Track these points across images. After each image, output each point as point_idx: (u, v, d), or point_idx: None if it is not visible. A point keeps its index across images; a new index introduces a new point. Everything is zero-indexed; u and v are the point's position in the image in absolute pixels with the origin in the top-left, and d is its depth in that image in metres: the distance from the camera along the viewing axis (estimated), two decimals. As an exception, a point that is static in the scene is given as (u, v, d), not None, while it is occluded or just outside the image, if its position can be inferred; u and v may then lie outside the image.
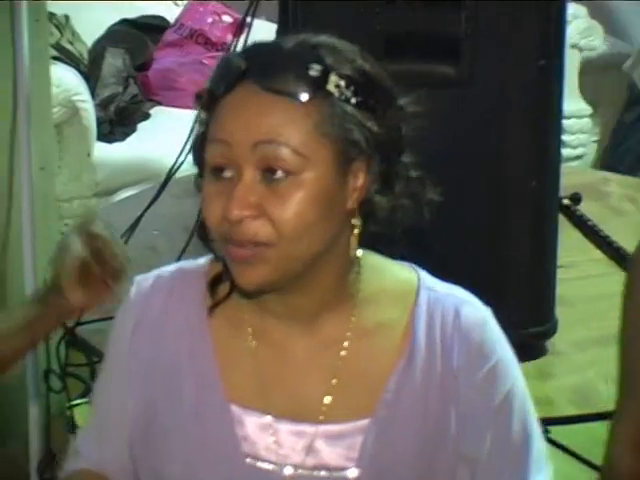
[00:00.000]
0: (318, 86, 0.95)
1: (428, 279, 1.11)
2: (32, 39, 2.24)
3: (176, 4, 4.36)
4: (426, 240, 1.31)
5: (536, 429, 1.11)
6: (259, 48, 1.06)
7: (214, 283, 1.07)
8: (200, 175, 1.03)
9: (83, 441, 1.21)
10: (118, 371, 1.15)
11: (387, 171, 1.01)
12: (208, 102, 1.01)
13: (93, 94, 3.59)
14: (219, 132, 0.98)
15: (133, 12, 4.11)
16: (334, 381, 1.06)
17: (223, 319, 1.10)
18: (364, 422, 1.05)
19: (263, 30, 2.51)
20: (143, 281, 1.14)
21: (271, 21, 2.94)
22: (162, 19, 4.24)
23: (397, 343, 1.06)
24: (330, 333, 1.06)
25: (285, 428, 1.06)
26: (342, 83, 0.96)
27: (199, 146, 1.03)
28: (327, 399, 1.05)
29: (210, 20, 4.20)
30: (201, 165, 1.02)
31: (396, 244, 1.06)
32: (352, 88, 0.96)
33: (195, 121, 1.04)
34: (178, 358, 1.11)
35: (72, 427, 2.28)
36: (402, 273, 1.11)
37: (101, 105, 3.62)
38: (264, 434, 1.06)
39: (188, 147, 1.38)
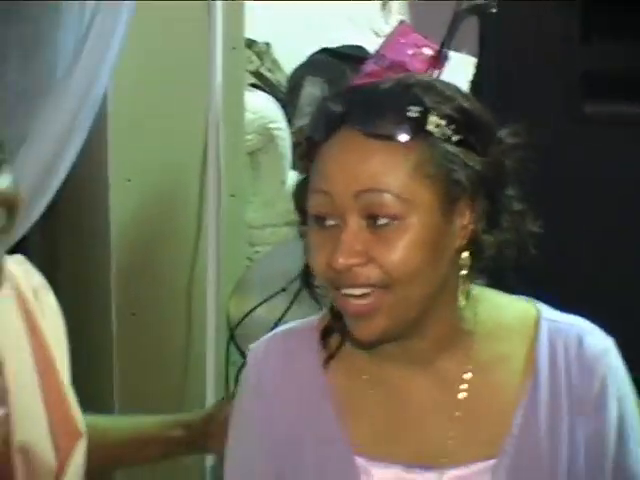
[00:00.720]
0: (418, 127, 0.94)
1: (548, 310, 1.08)
2: (228, 66, 2.26)
3: (377, 35, 4.32)
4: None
5: None
6: (356, 91, 1.06)
7: (325, 335, 1.07)
8: (302, 222, 1.03)
9: None
10: (246, 442, 1.13)
11: (492, 207, 0.98)
12: (308, 149, 1.00)
13: (290, 122, 3.59)
14: (320, 182, 0.96)
15: (333, 42, 4.09)
16: (456, 422, 1.03)
17: (338, 370, 1.09)
18: (490, 462, 1.02)
19: (463, 63, 2.41)
20: (257, 349, 1.14)
21: (472, 55, 2.85)
22: (362, 49, 4.20)
23: (518, 377, 1.04)
24: (448, 372, 1.04)
25: (413, 476, 1.03)
26: (442, 122, 0.94)
27: (300, 193, 1.01)
28: (451, 441, 1.03)
29: (411, 52, 4.10)
30: (303, 212, 1.01)
31: (509, 278, 1.03)
32: (452, 126, 0.94)
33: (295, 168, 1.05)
34: (299, 421, 1.09)
35: None
36: (519, 306, 1.09)
37: (297, 134, 3.61)
38: None
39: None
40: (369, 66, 4.16)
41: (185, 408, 2.30)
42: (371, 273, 0.92)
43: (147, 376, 2.34)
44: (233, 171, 2.43)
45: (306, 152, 1.01)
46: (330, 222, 0.95)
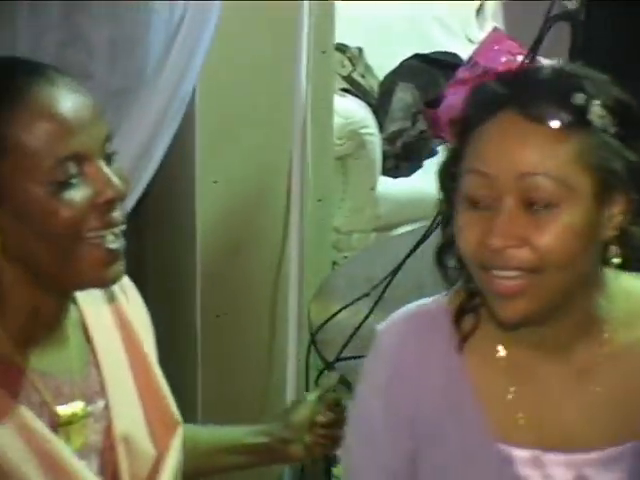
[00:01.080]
0: (580, 115, 0.94)
1: None
2: (317, 70, 2.23)
3: (470, 41, 4.26)
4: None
5: None
6: (518, 76, 1.07)
7: (459, 316, 1.06)
8: (445, 201, 1.04)
9: None
10: (373, 424, 1.13)
11: None
12: (463, 130, 1.01)
13: (381, 128, 3.55)
14: (478, 163, 0.96)
15: (426, 47, 4.04)
16: (591, 407, 1.05)
17: (473, 354, 1.08)
18: (629, 445, 1.04)
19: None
20: (390, 329, 1.13)
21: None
22: (455, 56, 4.14)
23: None
24: (583, 359, 1.05)
25: (554, 460, 1.05)
26: (603, 112, 0.95)
27: (447, 174, 1.02)
28: (588, 425, 1.05)
29: (504, 59, 4.05)
30: (448, 192, 1.03)
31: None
32: (611, 118, 0.95)
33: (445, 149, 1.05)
34: (438, 406, 1.09)
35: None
36: None
37: (388, 139, 3.58)
38: (534, 469, 1.05)
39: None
40: (462, 73, 4.10)
41: (266, 411, 2.31)
42: (524, 256, 0.93)
43: (229, 378, 2.34)
44: (321, 175, 2.41)
45: (460, 133, 1.01)
46: (483, 203, 0.95)
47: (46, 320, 1.04)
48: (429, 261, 2.42)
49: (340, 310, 1.98)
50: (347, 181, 3.33)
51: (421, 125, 3.72)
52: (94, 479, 1.04)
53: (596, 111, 0.94)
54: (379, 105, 3.65)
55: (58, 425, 1.03)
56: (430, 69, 3.97)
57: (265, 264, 2.41)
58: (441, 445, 1.08)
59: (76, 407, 1.05)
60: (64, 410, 1.04)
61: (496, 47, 4.31)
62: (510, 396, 1.06)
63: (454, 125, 1.03)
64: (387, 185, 3.49)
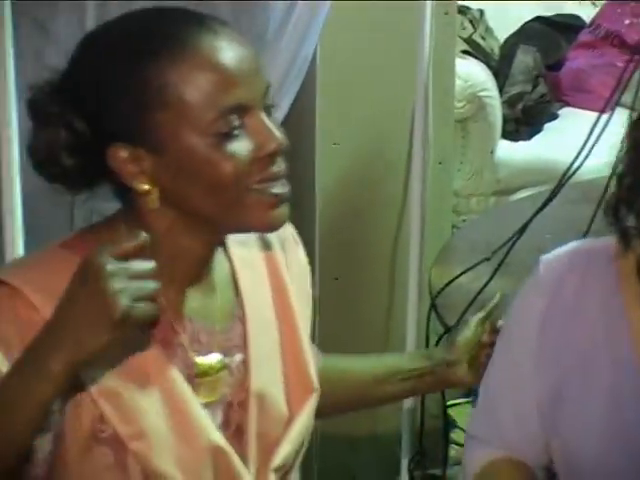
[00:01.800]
0: None
1: None
2: (439, 32, 2.17)
3: (594, 4, 4.10)
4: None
5: None
6: None
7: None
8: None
9: (479, 426, 1.24)
10: (524, 350, 1.15)
11: None
12: None
13: (501, 91, 3.47)
14: None
15: (548, 10, 3.93)
16: None
17: (631, 295, 1.09)
18: None
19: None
20: (553, 261, 1.15)
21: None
22: (577, 18, 4.01)
23: None
24: None
25: None
26: None
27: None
28: None
29: (627, 22, 3.90)
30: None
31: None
32: None
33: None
34: (593, 340, 1.11)
35: (450, 425, 2.20)
36: None
37: (508, 103, 3.49)
38: None
39: (586, 150, 1.63)
40: (584, 35, 3.97)
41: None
42: None
43: (347, 341, 2.32)
44: (441, 138, 2.36)
45: None
46: None
47: (196, 267, 1.04)
48: (550, 225, 2.39)
49: (461, 274, 1.93)
50: (467, 144, 3.27)
51: (542, 89, 3.64)
52: (218, 434, 1.02)
53: None
54: (499, 68, 3.56)
55: (195, 376, 1.03)
56: (552, 32, 3.87)
57: (384, 227, 2.38)
58: (590, 378, 1.10)
59: (213, 359, 1.05)
60: (202, 361, 1.04)
61: (619, 10, 4.15)
62: None
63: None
64: (507, 149, 3.42)
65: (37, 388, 0.85)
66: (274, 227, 1.04)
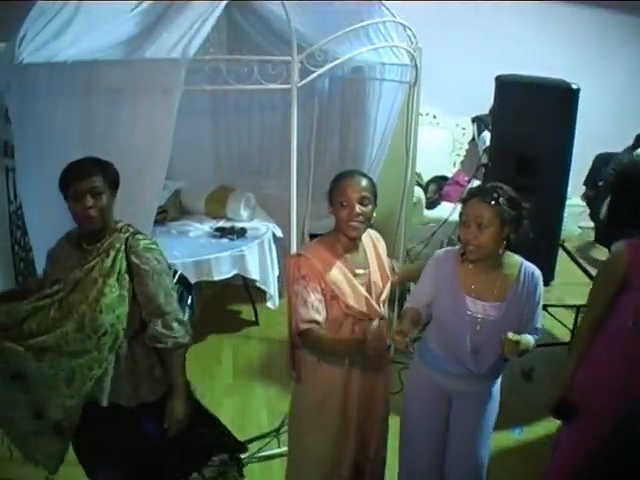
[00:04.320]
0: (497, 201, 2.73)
1: (525, 260, 2.87)
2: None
3: None
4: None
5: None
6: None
7: None
8: None
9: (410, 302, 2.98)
10: (426, 275, 2.97)
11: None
12: None
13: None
14: None
15: None
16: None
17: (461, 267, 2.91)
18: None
19: None
20: (442, 252, 3.06)
21: None
22: None
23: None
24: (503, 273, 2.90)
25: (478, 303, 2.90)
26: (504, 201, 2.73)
27: None
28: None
29: None
30: None
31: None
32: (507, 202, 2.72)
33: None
34: (445, 277, 2.91)
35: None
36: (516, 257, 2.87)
37: None
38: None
39: None
40: None
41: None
42: None
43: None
44: None
45: None
46: None
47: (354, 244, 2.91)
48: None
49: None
50: None
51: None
52: (364, 293, 2.86)
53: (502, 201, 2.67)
54: None
55: (354, 275, 2.84)
56: None
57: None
58: (442, 291, 2.87)
59: (359, 270, 2.88)
60: (357, 271, 2.87)
61: None
62: None
63: None
64: None
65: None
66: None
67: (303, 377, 2.97)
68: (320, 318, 2.69)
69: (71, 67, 3.02)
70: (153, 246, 2.74)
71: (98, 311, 2.58)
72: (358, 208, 2.72)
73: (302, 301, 2.70)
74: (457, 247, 2.87)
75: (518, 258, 2.82)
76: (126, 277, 2.66)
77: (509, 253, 2.80)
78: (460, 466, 3.01)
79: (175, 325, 2.74)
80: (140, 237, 2.75)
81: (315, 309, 2.69)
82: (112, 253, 2.67)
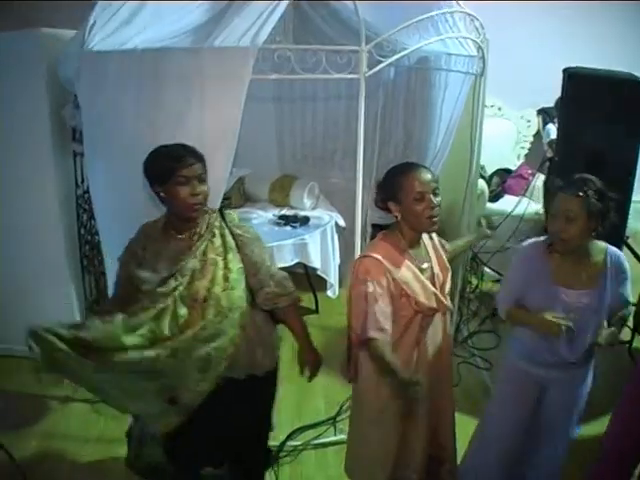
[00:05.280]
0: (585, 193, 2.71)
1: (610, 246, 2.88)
2: None
3: None
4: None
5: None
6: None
7: None
8: None
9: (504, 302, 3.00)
10: (516, 268, 3.01)
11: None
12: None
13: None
14: None
15: None
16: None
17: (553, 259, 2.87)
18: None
19: None
20: (527, 244, 3.00)
21: None
22: None
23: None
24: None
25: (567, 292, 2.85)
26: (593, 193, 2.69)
27: None
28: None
29: None
30: None
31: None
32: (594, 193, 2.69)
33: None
34: (535, 271, 2.88)
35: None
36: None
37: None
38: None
39: None
40: None
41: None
42: None
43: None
44: None
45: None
46: None
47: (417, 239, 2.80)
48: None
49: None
50: None
51: None
52: (433, 288, 2.77)
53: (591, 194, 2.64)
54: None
55: (420, 271, 2.74)
56: None
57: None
58: (533, 285, 2.87)
59: (424, 265, 2.78)
60: (422, 265, 2.77)
61: None
62: None
63: None
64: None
65: None
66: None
67: (364, 379, 2.92)
68: (388, 326, 2.62)
69: (141, 54, 3.03)
70: (239, 217, 2.82)
71: (230, 288, 2.61)
72: (434, 199, 2.66)
73: (371, 307, 2.62)
74: (542, 238, 2.88)
75: (603, 244, 2.85)
76: (236, 250, 2.69)
77: (594, 240, 2.82)
78: (548, 455, 3.10)
79: (286, 282, 2.84)
80: (229, 211, 2.82)
81: (384, 316, 2.62)
82: (216, 231, 2.69)
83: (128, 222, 2.89)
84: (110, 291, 3.88)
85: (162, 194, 2.59)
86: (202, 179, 2.61)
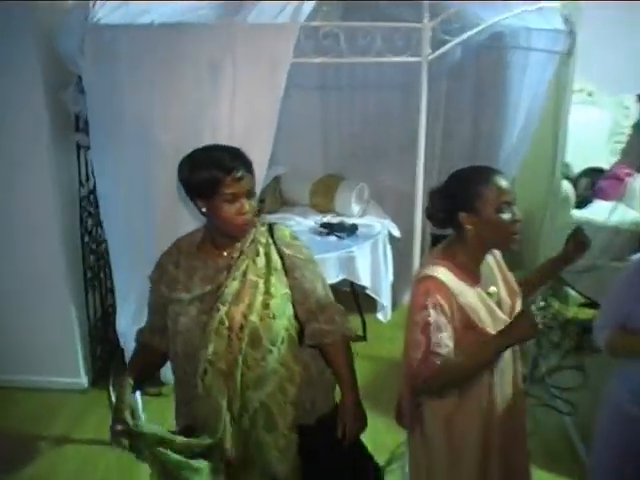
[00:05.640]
0: None
1: None
2: None
3: None
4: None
5: None
6: None
7: None
8: None
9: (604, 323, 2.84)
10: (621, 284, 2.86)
11: None
12: None
13: None
14: None
15: None
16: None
17: None
18: None
19: None
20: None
21: None
22: None
23: None
24: None
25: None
26: None
27: None
28: None
29: None
30: None
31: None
32: None
33: None
34: None
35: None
36: None
37: None
38: None
39: None
40: None
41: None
42: None
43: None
44: None
45: None
46: None
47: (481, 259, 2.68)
48: None
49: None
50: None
51: None
52: (503, 316, 2.61)
53: None
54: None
55: (487, 294, 2.64)
56: None
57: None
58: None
59: (491, 288, 2.67)
60: (488, 290, 2.65)
61: None
62: None
63: None
64: None
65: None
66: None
67: (431, 434, 2.83)
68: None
69: (158, 30, 3.02)
70: (295, 233, 2.76)
71: (271, 317, 2.56)
72: (518, 212, 2.51)
73: (434, 335, 2.50)
74: None
75: None
76: (283, 272, 2.65)
77: None
78: None
79: (337, 318, 2.78)
80: (280, 226, 2.75)
81: (446, 348, 2.51)
82: (261, 249, 2.65)
83: (144, 228, 2.86)
84: (117, 310, 3.89)
85: (203, 209, 2.53)
86: (251, 194, 2.53)
